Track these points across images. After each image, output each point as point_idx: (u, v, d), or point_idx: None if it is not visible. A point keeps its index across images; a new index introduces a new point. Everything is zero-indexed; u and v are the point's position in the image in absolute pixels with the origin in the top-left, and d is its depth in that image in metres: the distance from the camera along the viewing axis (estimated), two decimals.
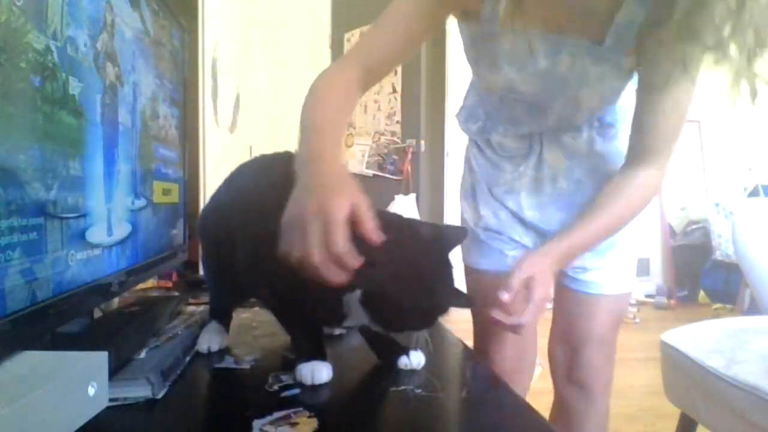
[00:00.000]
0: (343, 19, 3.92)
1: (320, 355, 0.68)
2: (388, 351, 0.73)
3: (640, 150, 0.82)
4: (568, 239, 0.81)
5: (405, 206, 3.38)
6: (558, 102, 0.85)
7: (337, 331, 0.87)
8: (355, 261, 0.51)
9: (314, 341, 0.70)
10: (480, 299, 0.83)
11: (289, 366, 0.71)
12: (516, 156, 0.98)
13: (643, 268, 4.11)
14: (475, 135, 1.03)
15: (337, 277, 0.50)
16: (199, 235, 0.83)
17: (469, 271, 1.05)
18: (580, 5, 0.76)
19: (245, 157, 0.82)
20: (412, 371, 0.70)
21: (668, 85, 0.75)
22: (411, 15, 0.79)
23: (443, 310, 0.62)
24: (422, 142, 3.61)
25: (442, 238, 0.65)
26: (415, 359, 0.71)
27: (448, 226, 0.68)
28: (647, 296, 4.03)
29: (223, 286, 0.81)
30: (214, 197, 0.81)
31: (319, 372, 0.65)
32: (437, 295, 0.61)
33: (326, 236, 0.50)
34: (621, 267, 0.97)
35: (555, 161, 0.95)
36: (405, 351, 0.71)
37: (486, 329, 1.04)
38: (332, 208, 0.50)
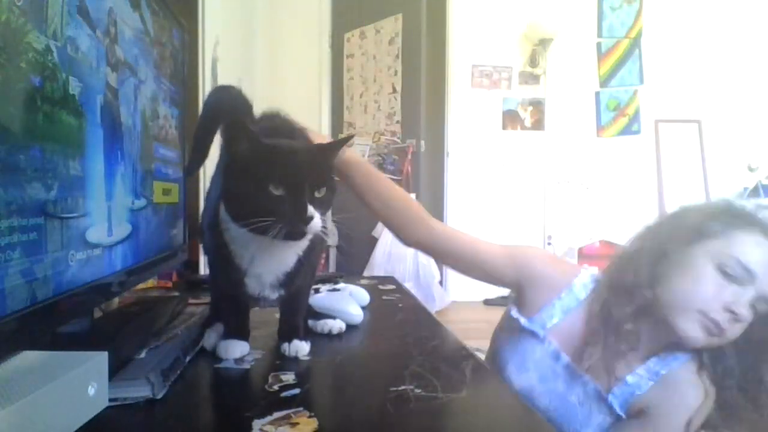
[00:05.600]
0: (343, 19, 3.92)
1: (242, 335, 0.77)
2: (281, 335, 0.78)
3: None
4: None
5: None
6: None
7: (336, 331, 0.87)
8: None
9: (240, 321, 0.78)
10: None
11: (289, 366, 0.71)
12: None
13: None
14: None
15: None
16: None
17: None
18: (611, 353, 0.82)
19: None
20: (412, 371, 0.70)
21: None
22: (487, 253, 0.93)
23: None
24: (422, 142, 3.61)
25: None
26: (293, 348, 0.75)
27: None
28: None
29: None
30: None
31: (233, 349, 0.74)
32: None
33: None
34: None
35: None
36: (290, 339, 0.76)
37: None
38: None
